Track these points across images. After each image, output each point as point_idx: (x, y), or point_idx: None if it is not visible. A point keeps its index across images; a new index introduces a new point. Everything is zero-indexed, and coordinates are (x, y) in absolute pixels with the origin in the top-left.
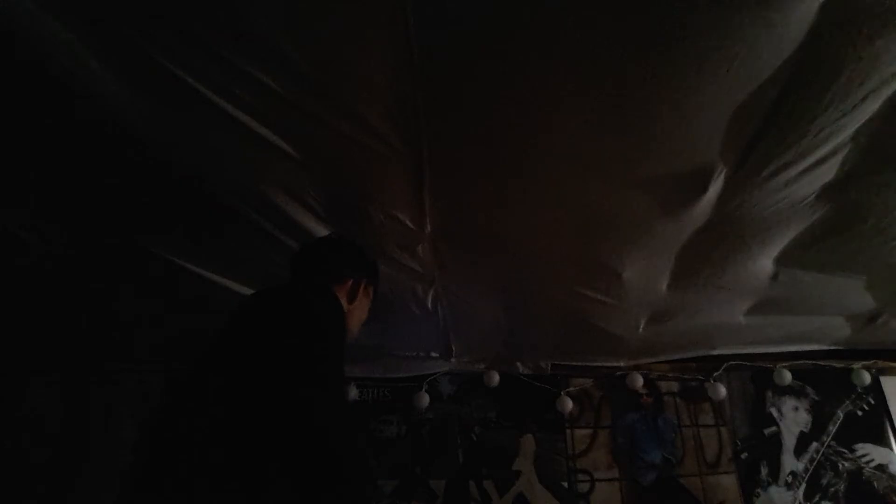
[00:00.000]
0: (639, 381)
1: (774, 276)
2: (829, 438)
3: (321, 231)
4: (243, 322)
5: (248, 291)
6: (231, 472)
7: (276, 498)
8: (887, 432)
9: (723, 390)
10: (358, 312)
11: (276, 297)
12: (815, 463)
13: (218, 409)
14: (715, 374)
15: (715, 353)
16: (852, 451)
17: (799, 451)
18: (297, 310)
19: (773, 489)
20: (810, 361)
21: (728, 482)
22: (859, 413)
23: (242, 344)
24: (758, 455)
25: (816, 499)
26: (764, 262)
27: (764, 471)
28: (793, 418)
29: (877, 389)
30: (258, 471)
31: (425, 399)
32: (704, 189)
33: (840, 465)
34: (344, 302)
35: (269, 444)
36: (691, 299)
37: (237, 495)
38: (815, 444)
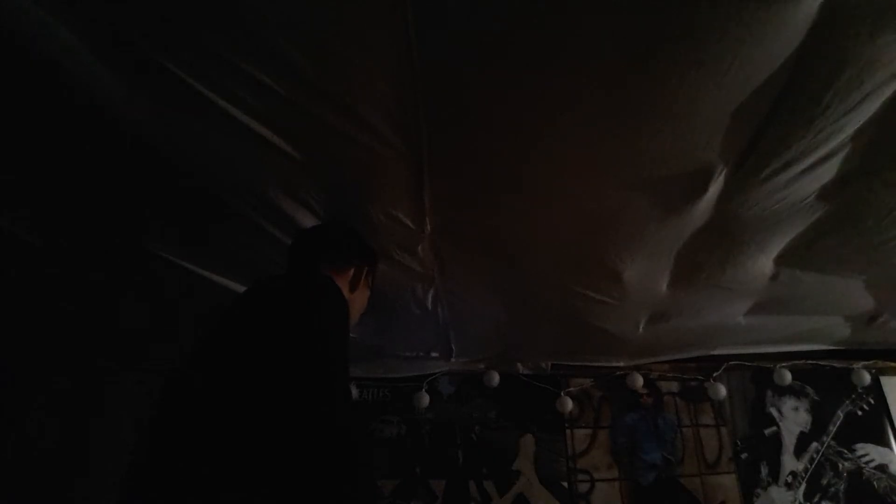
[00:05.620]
0: (639, 381)
1: (774, 276)
2: (829, 438)
3: None
4: (242, 317)
5: None
6: (230, 476)
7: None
8: (887, 432)
9: (723, 390)
10: (359, 301)
11: (275, 291)
12: (815, 463)
13: (217, 412)
14: (715, 374)
15: (715, 353)
16: (852, 451)
17: (799, 451)
18: (298, 304)
19: (773, 489)
20: (810, 361)
21: (728, 482)
22: (859, 413)
23: (241, 342)
24: (758, 455)
25: (816, 499)
26: (764, 262)
27: (764, 471)
28: (793, 418)
29: (877, 389)
30: (260, 477)
31: (425, 399)
32: (704, 189)
33: (840, 465)
34: (346, 291)
35: (271, 450)
36: (691, 299)
37: (237, 498)
38: (815, 444)
